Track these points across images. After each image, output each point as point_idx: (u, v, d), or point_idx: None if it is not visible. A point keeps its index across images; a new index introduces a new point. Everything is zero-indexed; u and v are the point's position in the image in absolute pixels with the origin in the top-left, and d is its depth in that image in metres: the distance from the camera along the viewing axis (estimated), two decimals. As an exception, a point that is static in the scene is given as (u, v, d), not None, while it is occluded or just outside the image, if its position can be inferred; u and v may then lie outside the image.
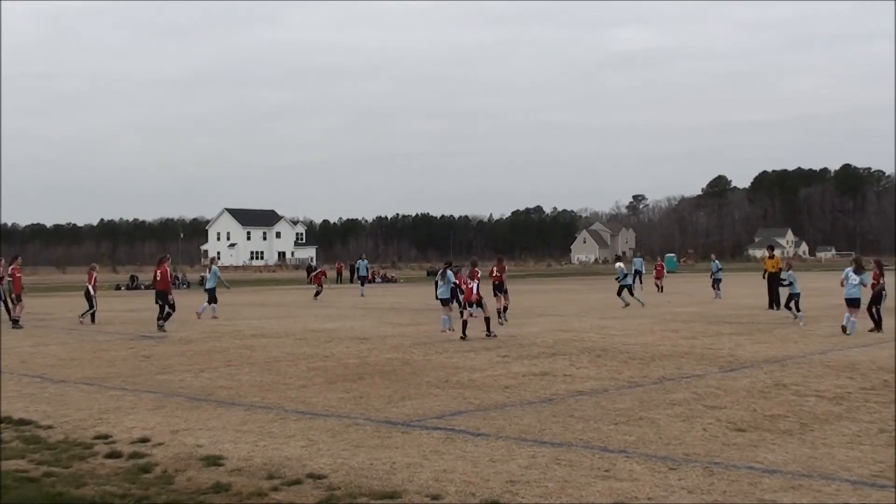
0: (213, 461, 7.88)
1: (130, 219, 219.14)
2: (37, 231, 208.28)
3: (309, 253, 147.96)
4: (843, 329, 18.73)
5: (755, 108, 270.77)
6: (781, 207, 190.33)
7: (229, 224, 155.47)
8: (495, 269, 23.43)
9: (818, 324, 21.51)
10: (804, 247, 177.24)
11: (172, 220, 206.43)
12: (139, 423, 9.77)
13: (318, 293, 37.84)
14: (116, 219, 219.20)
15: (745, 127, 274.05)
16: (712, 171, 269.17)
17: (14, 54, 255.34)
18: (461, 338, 18.51)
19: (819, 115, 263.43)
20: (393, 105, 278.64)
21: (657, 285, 40.91)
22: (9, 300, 23.65)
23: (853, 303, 18.85)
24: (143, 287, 53.74)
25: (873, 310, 19.34)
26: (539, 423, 9.50)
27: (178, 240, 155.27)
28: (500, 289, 23.16)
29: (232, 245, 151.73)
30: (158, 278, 22.71)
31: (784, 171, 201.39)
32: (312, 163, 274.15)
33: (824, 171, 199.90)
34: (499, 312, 22.52)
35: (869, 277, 19.51)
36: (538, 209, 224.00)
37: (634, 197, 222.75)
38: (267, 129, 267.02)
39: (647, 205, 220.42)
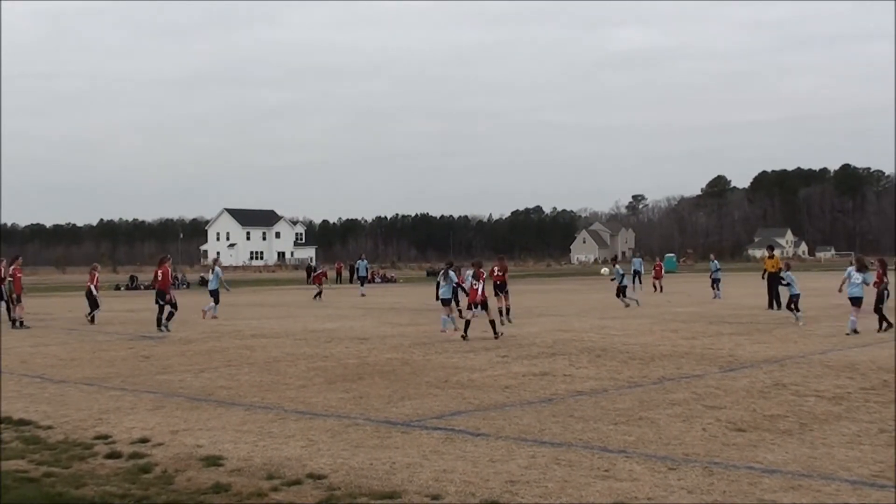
0: (213, 461, 7.88)
1: (130, 219, 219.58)
2: (36, 231, 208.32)
3: (308, 253, 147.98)
4: (854, 331, 18.63)
5: (755, 108, 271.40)
6: (781, 207, 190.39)
7: (229, 224, 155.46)
8: (496, 268, 23.38)
9: (818, 324, 21.52)
10: (804, 247, 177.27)
11: (172, 220, 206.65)
12: (139, 423, 9.78)
13: (318, 294, 37.82)
14: (116, 219, 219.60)
15: (745, 127, 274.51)
16: (712, 171, 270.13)
17: (14, 54, 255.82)
18: (462, 337, 18.52)
19: (819, 115, 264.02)
20: (393, 105, 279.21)
21: (655, 285, 40.91)
22: (10, 300, 23.68)
23: (856, 301, 18.88)
24: (142, 287, 53.72)
25: (882, 309, 19.31)
26: (539, 423, 9.50)
27: (178, 240, 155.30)
28: (501, 288, 23.15)
29: (231, 245, 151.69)
30: (160, 278, 22.73)
31: (784, 171, 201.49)
32: (312, 163, 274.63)
33: (824, 171, 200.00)
34: (500, 312, 22.50)
35: (872, 276, 19.52)
36: (538, 209, 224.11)
37: (634, 197, 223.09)
38: (267, 129, 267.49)
39: (646, 205, 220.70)
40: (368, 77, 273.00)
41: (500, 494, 6.72)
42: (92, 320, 24.65)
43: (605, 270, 30.17)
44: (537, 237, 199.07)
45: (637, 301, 29.27)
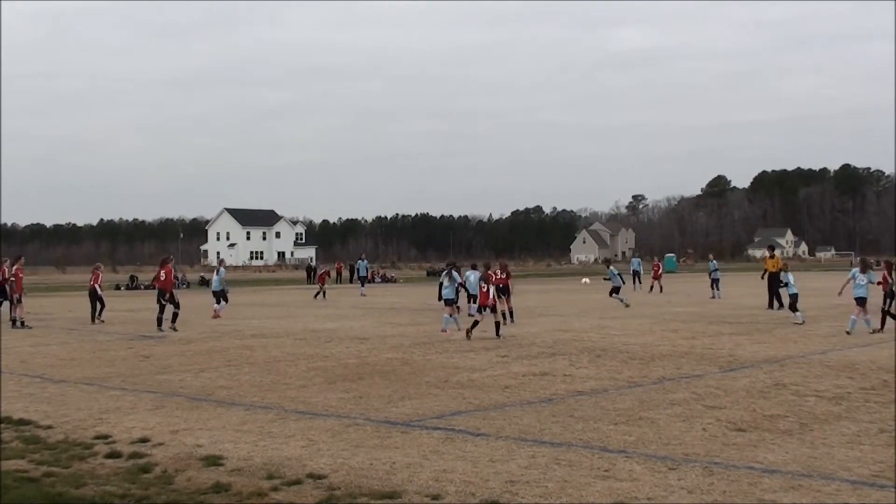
0: (213, 461, 7.88)
1: (130, 219, 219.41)
2: (36, 231, 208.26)
3: (308, 253, 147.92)
4: (873, 331, 18.64)
5: (755, 108, 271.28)
6: (781, 207, 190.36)
7: (229, 224, 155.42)
8: (499, 271, 23.39)
9: (818, 324, 21.52)
10: (804, 247, 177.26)
11: (172, 220, 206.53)
12: (139, 423, 9.78)
13: (318, 293, 37.81)
14: (116, 219, 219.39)
15: (745, 127, 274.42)
16: (712, 171, 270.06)
17: (14, 54, 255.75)
18: (466, 335, 18.49)
19: (819, 115, 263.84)
20: (393, 105, 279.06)
21: (654, 285, 40.90)
22: (13, 301, 23.68)
23: (861, 301, 18.90)
24: (142, 287, 53.69)
25: (891, 310, 19.30)
26: (539, 423, 9.50)
27: (178, 240, 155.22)
28: (504, 291, 23.19)
29: (231, 245, 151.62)
30: (163, 278, 22.75)
31: (784, 171, 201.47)
32: (312, 163, 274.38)
33: (824, 171, 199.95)
34: (503, 315, 22.50)
35: (876, 276, 19.52)
36: (538, 209, 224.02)
37: (634, 197, 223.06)
38: (267, 129, 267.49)
39: (646, 205, 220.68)
40: (368, 77, 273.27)
41: (500, 494, 6.72)
42: (92, 320, 24.65)
43: (585, 280, 29.86)
44: (537, 237, 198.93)
45: (625, 302, 29.03)
